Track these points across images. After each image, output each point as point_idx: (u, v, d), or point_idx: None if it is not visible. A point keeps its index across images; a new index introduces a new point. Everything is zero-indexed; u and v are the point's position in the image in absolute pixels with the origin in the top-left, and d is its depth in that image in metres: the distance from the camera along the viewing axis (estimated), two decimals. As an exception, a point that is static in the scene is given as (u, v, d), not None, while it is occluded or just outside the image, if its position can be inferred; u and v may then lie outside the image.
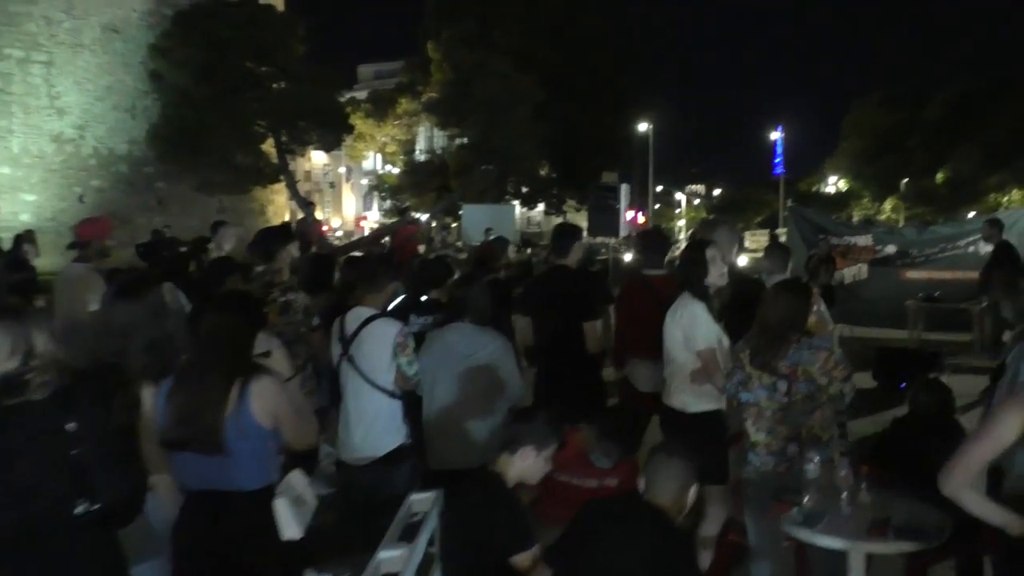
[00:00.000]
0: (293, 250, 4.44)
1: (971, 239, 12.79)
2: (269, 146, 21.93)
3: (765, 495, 3.42)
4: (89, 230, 5.19)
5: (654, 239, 5.46)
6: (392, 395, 4.04)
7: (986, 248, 10.99)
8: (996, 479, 3.51)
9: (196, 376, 2.61)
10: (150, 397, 2.72)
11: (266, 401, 2.59)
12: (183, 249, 7.72)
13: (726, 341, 3.98)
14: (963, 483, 2.13)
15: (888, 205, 56.21)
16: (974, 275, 10.12)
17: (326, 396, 4.43)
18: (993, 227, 9.74)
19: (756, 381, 3.50)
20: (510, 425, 3.13)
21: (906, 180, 53.07)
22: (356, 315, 4.08)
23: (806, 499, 3.10)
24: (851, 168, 58.11)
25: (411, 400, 4.15)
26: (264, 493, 2.65)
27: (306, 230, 13.75)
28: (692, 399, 3.99)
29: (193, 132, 19.30)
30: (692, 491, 2.85)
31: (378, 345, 3.99)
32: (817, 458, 3.18)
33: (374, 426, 4.03)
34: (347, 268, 5.32)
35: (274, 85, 21.06)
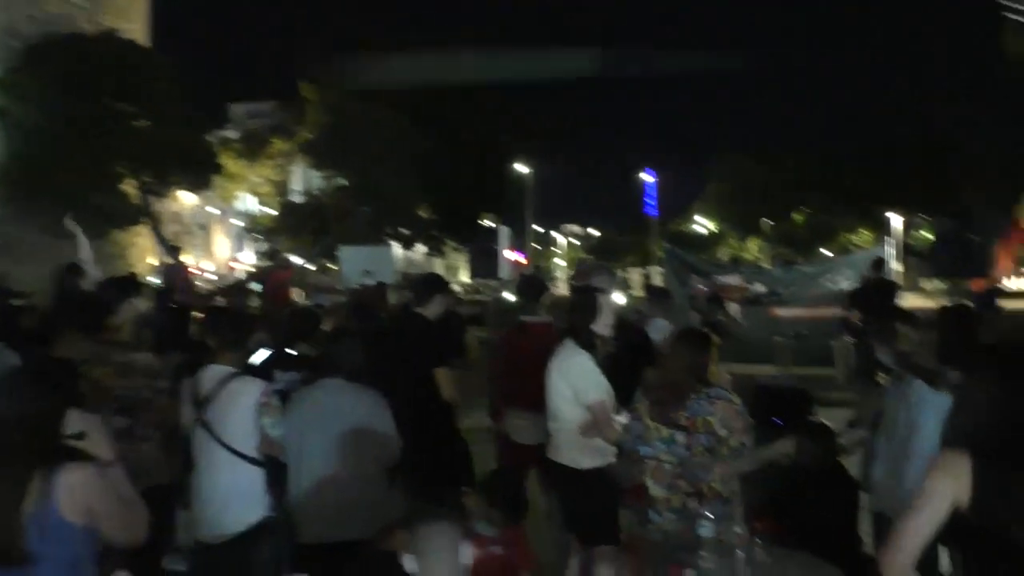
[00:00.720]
0: (139, 304, 3.97)
1: (830, 276, 13.52)
2: (130, 187, 20.70)
3: (666, 555, 3.24)
4: None
5: (531, 284, 5.31)
6: (254, 462, 3.65)
7: (846, 284, 11.58)
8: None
9: None
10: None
11: (79, 494, 2.13)
12: (17, 301, 6.89)
13: (611, 391, 3.82)
14: (908, 567, 2.01)
15: (753, 245, 59.29)
16: (836, 311, 10.62)
17: (178, 467, 3.97)
18: (871, 266, 10.31)
19: (655, 434, 3.34)
20: (414, 502, 2.82)
21: (768, 221, 56.28)
22: (212, 374, 3.69)
23: (701, 561, 2.93)
24: (717, 210, 61.07)
25: (275, 467, 3.77)
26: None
27: (171, 277, 12.84)
28: (582, 455, 3.79)
29: (43, 172, 17.96)
30: (466, 555, 2.62)
31: (238, 406, 3.62)
32: (711, 516, 3.03)
33: (232, 498, 3.64)
34: (205, 321, 4.84)
35: (135, 123, 19.97)
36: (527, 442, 4.57)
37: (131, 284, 4.07)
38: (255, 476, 3.66)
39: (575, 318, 3.96)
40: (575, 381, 3.77)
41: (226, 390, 3.63)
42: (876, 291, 9.67)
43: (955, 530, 1.99)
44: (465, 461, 4.85)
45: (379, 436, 3.86)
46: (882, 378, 3.87)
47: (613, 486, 3.79)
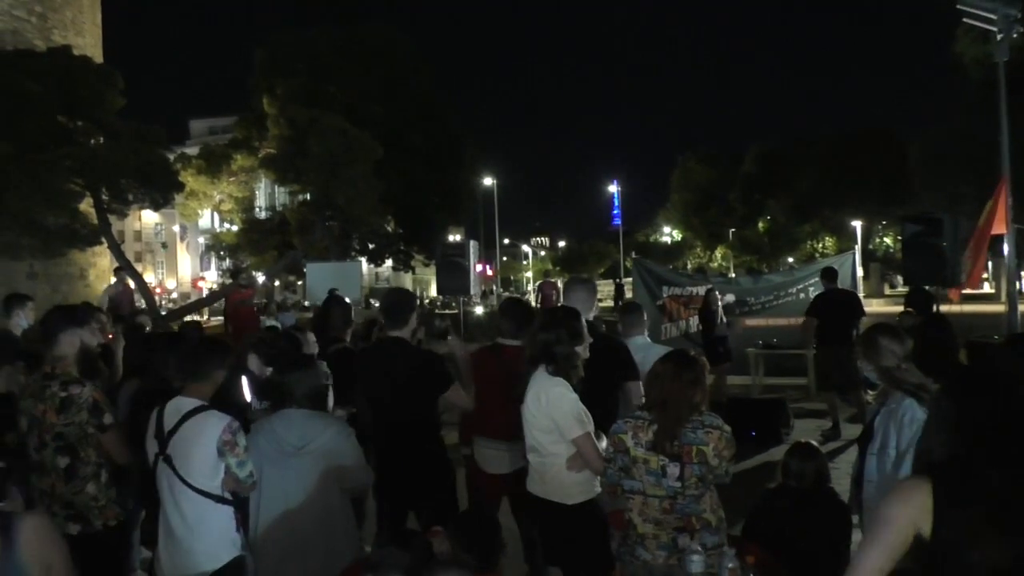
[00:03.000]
0: (84, 335, 3.69)
1: (800, 286, 13.51)
2: (88, 205, 20.17)
3: None
4: None
5: (515, 308, 4.75)
6: (220, 500, 3.42)
7: (814, 293, 11.53)
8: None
9: None
10: None
11: (40, 546, 1.92)
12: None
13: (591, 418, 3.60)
14: None
15: (719, 253, 59.90)
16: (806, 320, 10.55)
17: (131, 501, 3.72)
18: (824, 277, 10.21)
19: (642, 466, 3.16)
20: (380, 547, 2.58)
21: (732, 230, 56.93)
22: (175, 407, 3.46)
23: (691, 598, 2.76)
24: (681, 219, 61.66)
25: (246, 505, 3.55)
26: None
27: (115, 299, 12.43)
28: (570, 491, 3.57)
29: (-7, 192, 17.37)
30: None
31: (199, 444, 3.39)
32: (699, 549, 2.86)
33: (201, 536, 3.40)
34: (163, 348, 4.57)
35: (92, 141, 19.45)
36: (498, 472, 4.33)
37: (72, 313, 3.80)
38: (224, 513, 3.43)
39: (548, 342, 3.66)
40: (556, 416, 3.52)
41: (188, 426, 3.40)
42: (822, 302, 9.60)
43: (916, 560, 1.86)
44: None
45: (341, 468, 3.63)
46: (871, 396, 3.75)
47: (602, 518, 3.59)
